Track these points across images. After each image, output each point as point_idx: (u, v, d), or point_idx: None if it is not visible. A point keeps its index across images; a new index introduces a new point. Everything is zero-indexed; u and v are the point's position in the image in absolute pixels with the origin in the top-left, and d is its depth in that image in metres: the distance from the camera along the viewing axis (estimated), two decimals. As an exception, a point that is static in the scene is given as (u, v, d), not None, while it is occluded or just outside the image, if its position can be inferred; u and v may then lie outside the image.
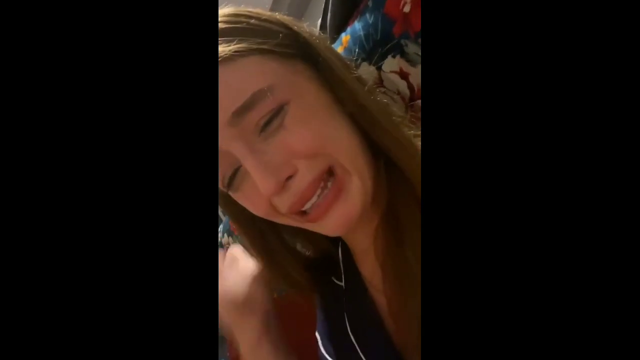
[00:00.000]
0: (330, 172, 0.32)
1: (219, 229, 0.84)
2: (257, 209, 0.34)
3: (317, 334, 0.44)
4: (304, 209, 0.32)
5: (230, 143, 0.30)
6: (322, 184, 0.32)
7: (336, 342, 0.41)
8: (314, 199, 0.32)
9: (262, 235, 0.42)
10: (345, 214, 0.32)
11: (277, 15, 0.34)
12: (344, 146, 0.31)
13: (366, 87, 0.35)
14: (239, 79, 0.29)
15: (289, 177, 0.31)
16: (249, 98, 0.29)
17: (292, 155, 0.30)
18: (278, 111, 0.30)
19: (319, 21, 0.61)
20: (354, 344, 0.39)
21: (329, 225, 0.33)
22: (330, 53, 0.34)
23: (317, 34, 0.35)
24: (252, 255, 0.46)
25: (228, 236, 0.80)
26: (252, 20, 0.32)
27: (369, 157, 0.34)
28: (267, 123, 0.30)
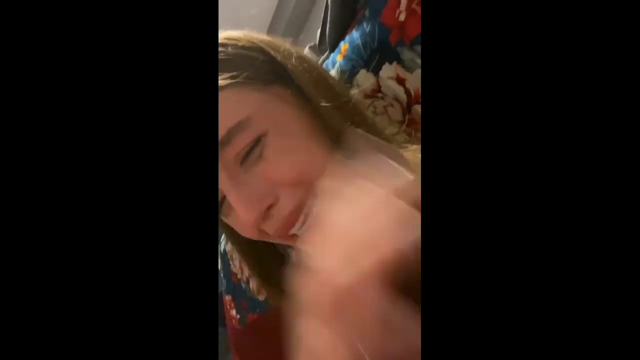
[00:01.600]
0: (315, 197, 0.31)
1: (222, 237, 0.85)
2: (247, 234, 0.34)
3: None
4: (293, 232, 0.32)
5: None
6: (306, 210, 0.31)
7: None
8: (299, 225, 0.31)
9: (258, 254, 0.42)
10: None
11: (255, 39, 0.34)
12: (326, 171, 0.31)
13: (350, 104, 0.34)
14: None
15: (271, 207, 0.31)
16: (226, 133, 0.29)
17: (273, 185, 0.30)
18: (257, 142, 0.30)
19: (319, 31, 0.63)
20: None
21: None
22: (306, 79, 0.33)
23: (294, 57, 0.34)
24: (250, 272, 0.45)
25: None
26: (229, 49, 0.32)
27: None
28: (247, 154, 0.30)
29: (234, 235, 0.40)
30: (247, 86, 0.31)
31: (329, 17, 0.57)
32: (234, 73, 0.31)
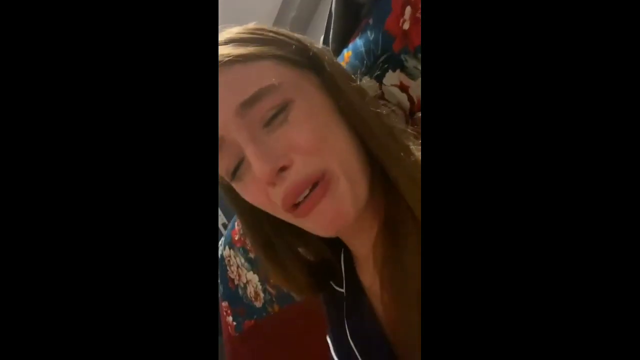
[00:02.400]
0: (322, 177, 0.33)
1: (220, 242, 0.84)
2: (255, 199, 0.35)
3: (327, 339, 0.45)
4: (298, 200, 0.33)
5: (236, 132, 0.32)
6: (313, 183, 0.33)
7: (339, 347, 0.41)
8: (306, 192, 0.33)
9: (268, 237, 0.43)
10: (333, 211, 0.33)
11: (291, 33, 0.38)
12: (339, 150, 0.34)
13: (366, 99, 0.37)
14: (251, 75, 0.33)
15: (284, 168, 0.32)
16: (257, 92, 0.32)
17: (291, 148, 0.32)
18: (283, 107, 0.32)
19: (321, 38, 0.63)
20: (354, 351, 0.39)
21: (319, 222, 0.34)
22: (334, 67, 0.37)
23: (326, 51, 0.39)
24: (257, 254, 0.47)
25: (229, 249, 0.80)
26: (270, 34, 0.36)
27: (364, 165, 0.35)
28: (273, 118, 0.32)
29: (244, 214, 0.43)
30: (282, 61, 0.34)
31: (332, 25, 0.57)
32: (274, 48, 0.34)
